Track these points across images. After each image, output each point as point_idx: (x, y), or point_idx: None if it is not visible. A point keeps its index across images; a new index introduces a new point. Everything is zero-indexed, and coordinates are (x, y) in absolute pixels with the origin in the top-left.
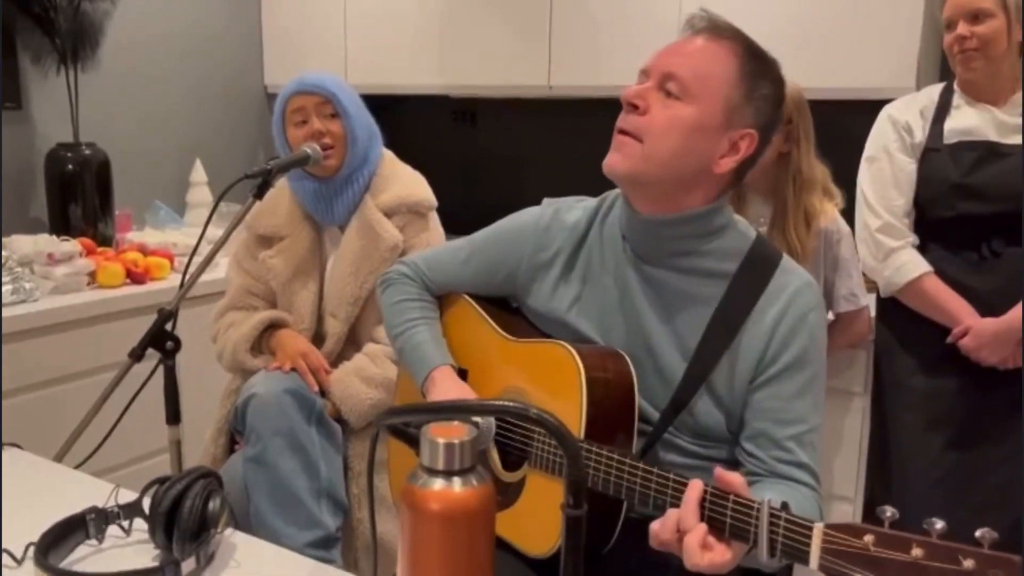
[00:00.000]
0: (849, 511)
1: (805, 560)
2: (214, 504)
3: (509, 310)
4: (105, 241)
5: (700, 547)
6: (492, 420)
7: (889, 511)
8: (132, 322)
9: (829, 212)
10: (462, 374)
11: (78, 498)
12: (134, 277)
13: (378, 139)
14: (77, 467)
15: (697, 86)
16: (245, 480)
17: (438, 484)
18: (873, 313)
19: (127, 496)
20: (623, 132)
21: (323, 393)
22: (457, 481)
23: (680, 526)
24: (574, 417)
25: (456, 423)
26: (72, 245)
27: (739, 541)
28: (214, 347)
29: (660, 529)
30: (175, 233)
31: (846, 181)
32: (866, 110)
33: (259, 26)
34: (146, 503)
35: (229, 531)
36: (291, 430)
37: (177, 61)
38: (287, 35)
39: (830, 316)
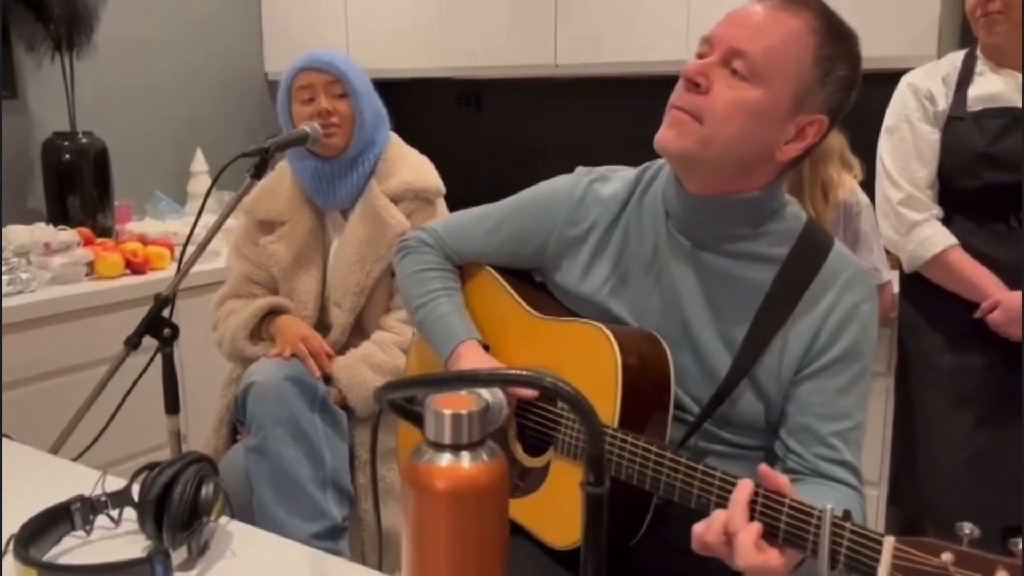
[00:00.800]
0: (874, 496)
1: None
2: (207, 490)
3: (534, 285)
4: (105, 233)
5: (754, 547)
6: (502, 396)
7: (968, 527)
8: (132, 313)
9: (848, 184)
10: (486, 350)
11: (67, 488)
12: (134, 267)
13: (386, 122)
14: (75, 459)
15: (768, 68)
16: (247, 471)
17: (445, 459)
18: (896, 290)
19: (117, 484)
20: (680, 109)
21: (327, 380)
22: (466, 456)
23: (728, 528)
24: (608, 403)
25: (464, 393)
26: (70, 235)
27: (794, 549)
28: (214, 335)
29: (705, 531)
30: (176, 223)
31: (865, 156)
32: (884, 81)
33: (259, 10)
34: (136, 491)
35: (224, 520)
36: (293, 418)
37: (176, 48)
38: (287, 20)
39: None
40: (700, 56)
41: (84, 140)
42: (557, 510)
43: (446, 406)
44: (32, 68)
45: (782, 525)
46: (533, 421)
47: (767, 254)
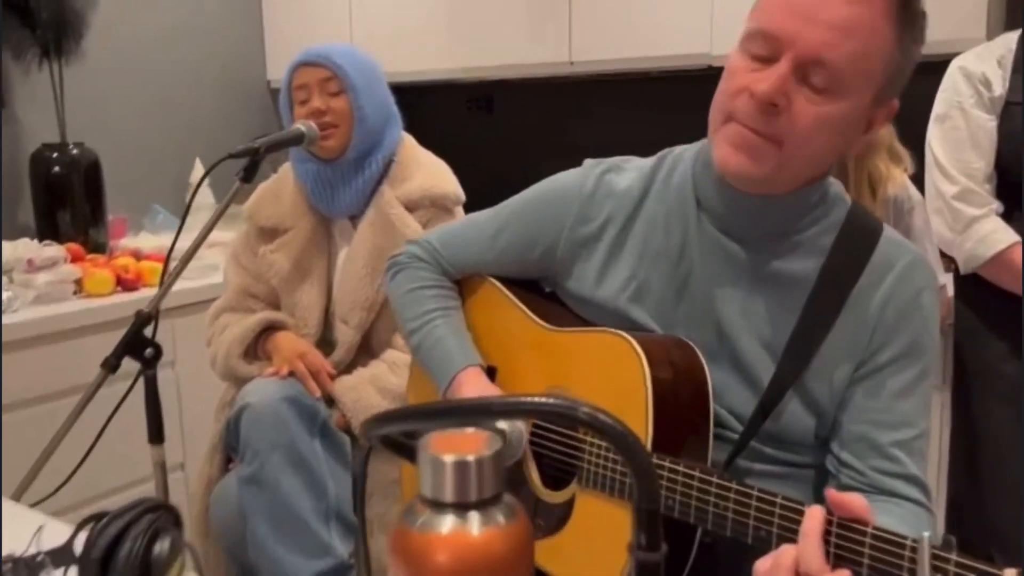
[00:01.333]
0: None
1: None
2: (161, 547)
3: (543, 295)
4: (98, 249)
5: None
6: (522, 428)
7: None
8: (122, 333)
9: (897, 178)
10: (490, 373)
11: (11, 540)
12: (125, 284)
13: (396, 121)
14: (46, 498)
15: (853, 77)
16: (241, 503)
17: (447, 525)
18: (951, 294)
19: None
20: (755, 132)
21: (329, 402)
22: (475, 519)
23: (801, 567)
24: (638, 424)
25: (472, 431)
26: (56, 250)
27: None
28: (208, 352)
29: (772, 570)
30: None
31: (912, 150)
32: (929, 71)
33: (259, 14)
34: (79, 546)
35: None
36: (291, 443)
37: (172, 54)
38: (289, 23)
39: None
40: (758, 58)
41: (75, 151)
42: (586, 554)
43: (447, 450)
44: (19, 76)
45: (865, 560)
46: (551, 447)
47: (812, 245)
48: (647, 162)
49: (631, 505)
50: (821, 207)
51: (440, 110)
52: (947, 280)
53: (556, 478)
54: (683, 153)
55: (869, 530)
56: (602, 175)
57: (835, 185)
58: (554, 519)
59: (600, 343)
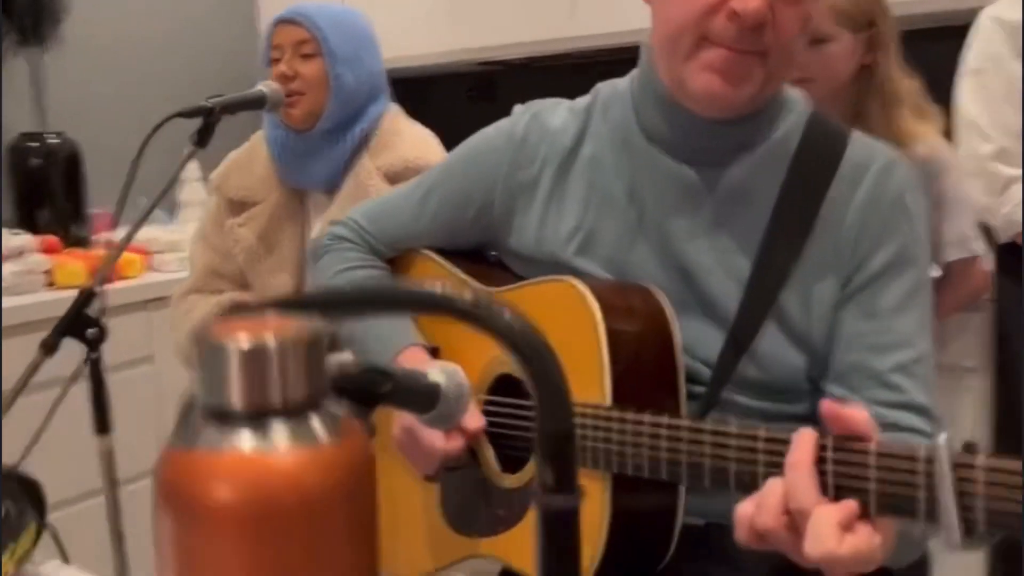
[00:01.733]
0: None
1: None
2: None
3: (487, 262)
4: (80, 244)
5: (838, 526)
6: (464, 381)
7: None
8: None
9: (926, 136)
10: (434, 354)
11: None
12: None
13: (383, 92)
14: None
15: None
16: None
17: (236, 441)
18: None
19: None
20: (744, 52)
21: None
22: (279, 433)
23: (792, 504)
24: (592, 376)
25: (287, 318)
26: (24, 240)
27: (894, 515)
28: (172, 337)
29: (756, 512)
30: (158, 230)
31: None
32: (950, 36)
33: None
34: None
35: (55, 564)
36: None
37: (160, 42)
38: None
39: (935, 271)
40: None
41: (54, 142)
42: None
43: (232, 336)
44: None
45: (872, 485)
46: (508, 425)
47: (774, 154)
48: (580, 101)
49: (595, 471)
50: (781, 112)
51: (442, 101)
52: (983, 251)
53: (517, 461)
54: (615, 86)
55: (872, 447)
56: (534, 118)
57: (791, 89)
58: (516, 507)
59: (546, 295)
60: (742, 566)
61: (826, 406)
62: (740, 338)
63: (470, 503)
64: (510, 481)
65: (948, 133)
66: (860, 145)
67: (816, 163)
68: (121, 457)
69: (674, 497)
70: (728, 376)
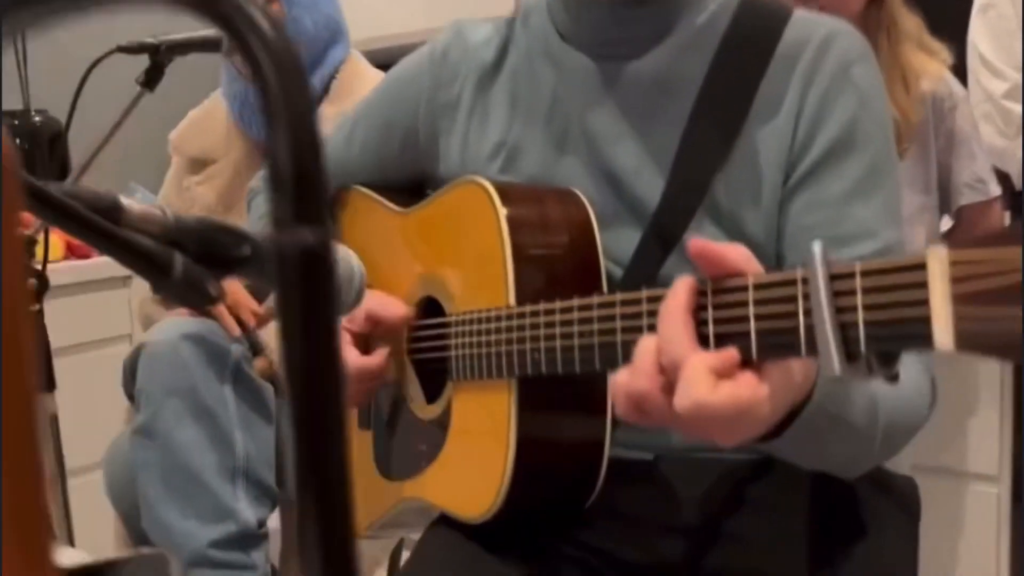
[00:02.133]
0: (993, 493)
1: (925, 341)
2: None
3: (419, 194)
4: None
5: (712, 373)
6: (357, 264)
7: None
8: (73, 300)
9: (935, 71)
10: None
11: None
12: (76, 251)
13: (344, 38)
14: None
15: None
16: (133, 461)
17: None
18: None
19: None
20: None
21: (255, 349)
22: None
23: (664, 358)
24: (495, 274)
25: None
26: None
27: (781, 356)
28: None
29: (631, 377)
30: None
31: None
32: None
33: None
34: None
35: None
36: (192, 388)
37: (150, 16)
38: None
39: (946, 221)
40: None
41: (37, 119)
42: (466, 469)
43: None
44: None
45: (752, 324)
46: (431, 349)
47: (697, 39)
48: (506, 17)
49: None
50: None
51: None
52: (999, 192)
53: (436, 387)
54: None
55: (749, 280)
56: (456, 34)
57: None
58: (435, 439)
59: (453, 200)
60: (685, 501)
61: (695, 245)
62: (665, 234)
63: (399, 443)
64: (427, 412)
65: (957, 71)
66: (800, 22)
67: (749, 45)
68: (102, 431)
69: (599, 427)
70: (653, 275)
